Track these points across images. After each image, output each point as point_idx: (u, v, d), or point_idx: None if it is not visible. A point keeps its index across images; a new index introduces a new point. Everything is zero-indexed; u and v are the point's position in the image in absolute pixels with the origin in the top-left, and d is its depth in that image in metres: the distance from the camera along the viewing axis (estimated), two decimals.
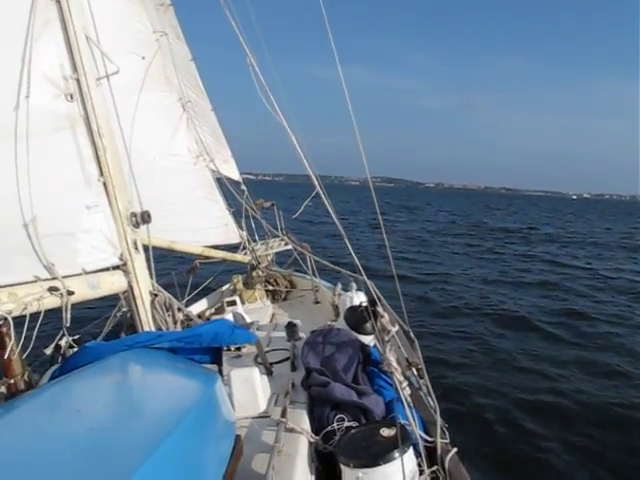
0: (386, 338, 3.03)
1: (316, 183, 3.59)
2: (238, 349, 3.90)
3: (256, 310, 5.76)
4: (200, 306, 6.18)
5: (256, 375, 2.98)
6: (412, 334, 3.17)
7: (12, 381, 3.24)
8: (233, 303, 5.47)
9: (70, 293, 3.29)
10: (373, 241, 21.95)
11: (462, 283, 14.94)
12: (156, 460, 1.50)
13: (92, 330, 5.05)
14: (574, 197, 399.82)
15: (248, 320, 4.86)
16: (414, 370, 3.03)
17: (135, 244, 3.86)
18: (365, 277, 3.34)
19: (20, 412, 1.96)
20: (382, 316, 3.17)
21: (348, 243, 3.35)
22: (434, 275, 16.12)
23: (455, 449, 2.52)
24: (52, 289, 3.21)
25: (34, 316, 3.09)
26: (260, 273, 6.66)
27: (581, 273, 18.14)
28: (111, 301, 4.44)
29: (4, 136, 3.20)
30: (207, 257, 6.33)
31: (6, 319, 2.92)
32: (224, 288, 6.77)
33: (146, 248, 4.04)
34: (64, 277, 3.33)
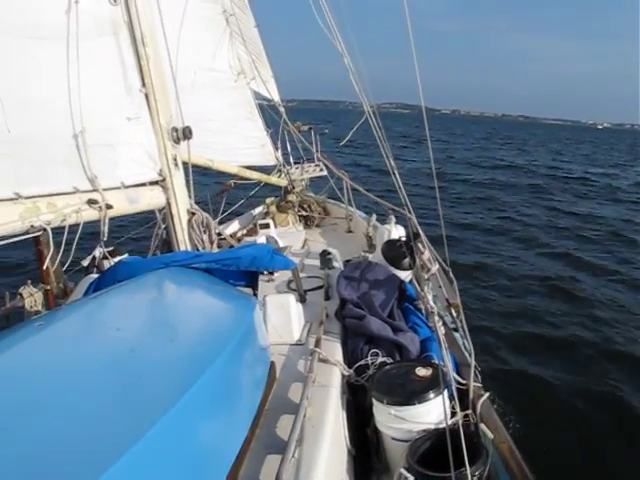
0: (425, 276, 2.96)
1: (367, 109, 3.44)
2: (271, 273, 3.87)
3: (288, 234, 5.72)
4: (233, 227, 6.17)
5: (292, 302, 2.95)
6: (452, 274, 3.09)
7: (48, 287, 3.30)
8: (266, 226, 5.42)
9: (109, 207, 3.27)
10: (409, 174, 20.97)
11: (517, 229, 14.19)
12: (199, 387, 1.49)
13: (128, 244, 5.08)
14: (600, 127, 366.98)
15: (281, 244, 4.82)
16: (452, 311, 2.97)
17: (175, 160, 3.80)
18: (410, 210, 3.23)
19: (61, 325, 1.96)
20: (422, 252, 3.09)
21: (396, 173, 3.23)
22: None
23: (487, 393, 2.48)
24: (91, 201, 3.19)
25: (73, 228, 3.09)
26: (294, 197, 6.60)
27: None
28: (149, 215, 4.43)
29: (52, 39, 3.11)
30: (242, 177, 6.27)
31: (45, 229, 2.91)
32: (257, 210, 6.74)
33: (185, 165, 3.98)
34: (103, 190, 3.30)
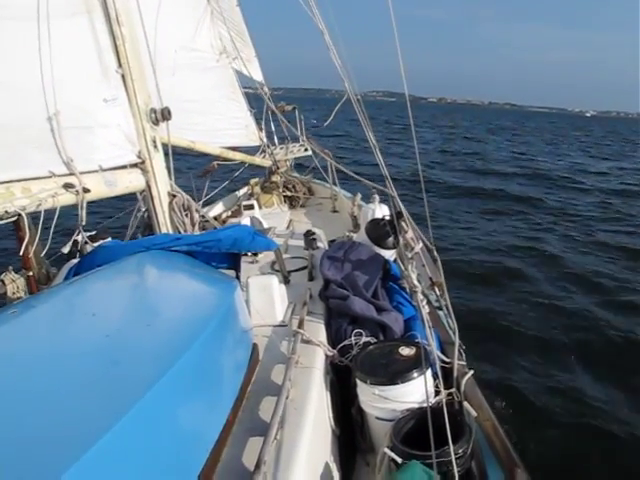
0: (409, 255, 2.94)
1: (348, 88, 3.39)
2: (255, 255, 3.84)
3: (273, 215, 5.69)
4: (217, 209, 6.13)
5: (274, 283, 2.93)
6: (436, 252, 3.07)
7: (30, 274, 3.26)
8: (251, 207, 5.39)
9: (86, 190, 3.22)
10: (394, 157, 21.10)
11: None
12: (177, 370, 1.47)
13: (109, 227, 5.02)
14: (588, 114, 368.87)
15: (265, 225, 4.79)
16: (435, 289, 2.96)
17: (154, 142, 3.74)
18: (392, 189, 3.20)
19: (37, 312, 1.93)
20: (406, 231, 3.07)
21: (378, 153, 3.20)
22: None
23: (472, 371, 2.48)
24: (67, 185, 3.13)
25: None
26: (278, 178, 6.55)
27: None
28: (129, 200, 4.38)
29: (22, 18, 3.03)
30: (225, 159, 6.20)
31: (20, 215, 2.86)
32: (241, 192, 6.70)
33: (165, 146, 3.92)
34: (80, 174, 3.24)
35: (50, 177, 3.11)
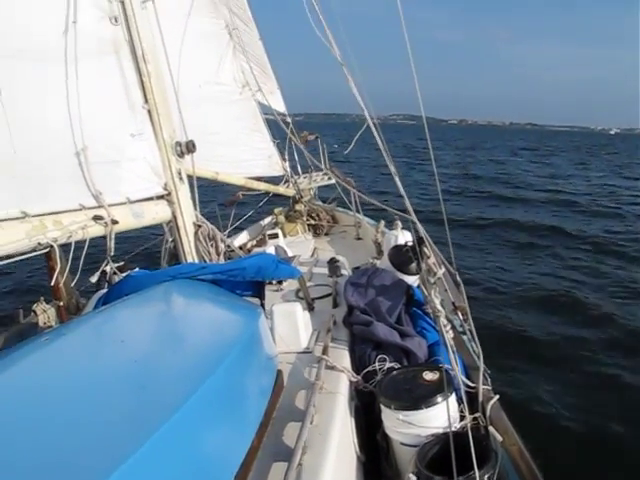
0: (431, 280, 2.96)
1: (368, 117, 3.45)
2: (279, 283, 3.88)
3: (297, 244, 5.73)
4: (242, 238, 6.19)
5: (298, 310, 2.95)
6: (458, 277, 3.08)
7: (61, 304, 3.35)
8: (275, 236, 5.44)
9: (114, 222, 3.31)
10: (415, 184, 20.62)
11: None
12: (201, 395, 1.50)
13: (137, 259, 5.12)
14: (612, 132, 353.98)
15: (290, 254, 4.84)
16: (459, 314, 2.96)
17: (179, 174, 3.84)
18: (413, 215, 3.23)
19: (67, 340, 1.98)
20: (428, 257, 3.08)
21: (398, 180, 3.24)
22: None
23: (497, 396, 2.47)
24: (97, 217, 3.23)
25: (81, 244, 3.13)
26: (302, 206, 6.61)
27: None
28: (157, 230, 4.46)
29: (52, 60, 3.16)
30: (250, 189, 6.30)
31: (52, 246, 2.95)
32: (266, 221, 6.77)
33: (190, 178, 4.01)
34: (109, 206, 3.33)
35: (80, 210, 3.21)
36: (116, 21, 3.46)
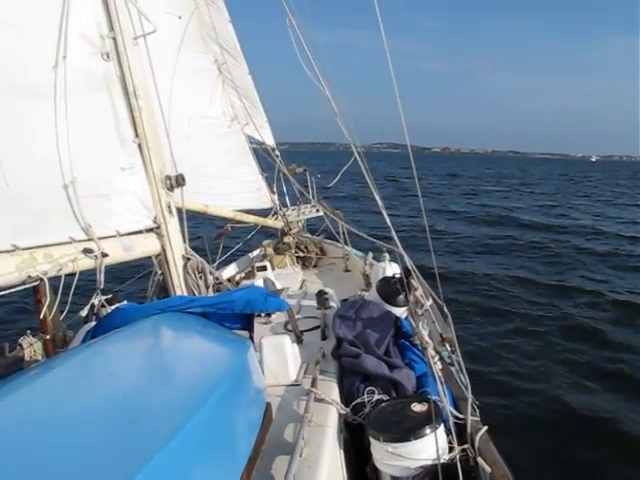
0: (419, 312, 2.99)
1: (355, 151, 3.51)
2: (268, 315, 3.88)
3: (286, 276, 5.74)
4: (230, 270, 6.19)
5: (287, 343, 2.96)
6: (446, 309, 3.11)
7: (48, 337, 3.33)
8: (264, 268, 5.45)
9: (104, 255, 3.32)
10: (402, 215, 20.73)
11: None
12: (190, 429, 1.50)
13: (125, 291, 5.11)
14: (592, 159, 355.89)
15: (278, 286, 4.85)
16: (447, 345, 2.98)
17: (169, 207, 3.86)
18: (400, 247, 3.27)
19: (56, 373, 1.98)
20: (416, 289, 3.12)
21: (385, 213, 3.28)
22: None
23: (485, 427, 2.48)
24: (87, 250, 3.24)
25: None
26: (291, 239, 6.64)
27: None
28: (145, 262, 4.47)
29: (42, 95, 3.20)
30: (239, 221, 6.33)
31: (42, 279, 2.95)
32: (254, 253, 6.78)
33: (179, 211, 4.04)
34: (99, 239, 3.35)
35: (70, 243, 3.22)
36: (108, 57, 3.52)
